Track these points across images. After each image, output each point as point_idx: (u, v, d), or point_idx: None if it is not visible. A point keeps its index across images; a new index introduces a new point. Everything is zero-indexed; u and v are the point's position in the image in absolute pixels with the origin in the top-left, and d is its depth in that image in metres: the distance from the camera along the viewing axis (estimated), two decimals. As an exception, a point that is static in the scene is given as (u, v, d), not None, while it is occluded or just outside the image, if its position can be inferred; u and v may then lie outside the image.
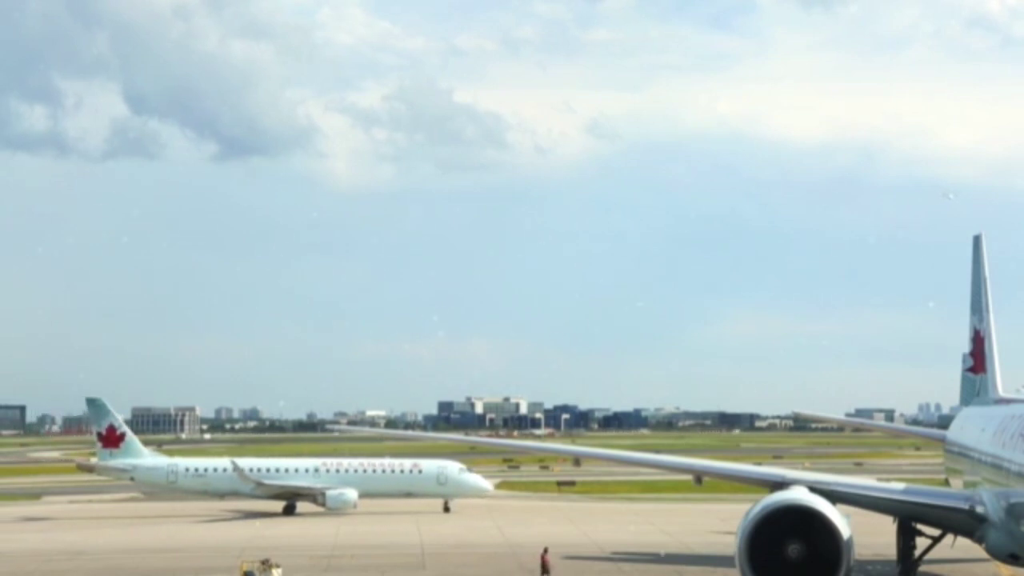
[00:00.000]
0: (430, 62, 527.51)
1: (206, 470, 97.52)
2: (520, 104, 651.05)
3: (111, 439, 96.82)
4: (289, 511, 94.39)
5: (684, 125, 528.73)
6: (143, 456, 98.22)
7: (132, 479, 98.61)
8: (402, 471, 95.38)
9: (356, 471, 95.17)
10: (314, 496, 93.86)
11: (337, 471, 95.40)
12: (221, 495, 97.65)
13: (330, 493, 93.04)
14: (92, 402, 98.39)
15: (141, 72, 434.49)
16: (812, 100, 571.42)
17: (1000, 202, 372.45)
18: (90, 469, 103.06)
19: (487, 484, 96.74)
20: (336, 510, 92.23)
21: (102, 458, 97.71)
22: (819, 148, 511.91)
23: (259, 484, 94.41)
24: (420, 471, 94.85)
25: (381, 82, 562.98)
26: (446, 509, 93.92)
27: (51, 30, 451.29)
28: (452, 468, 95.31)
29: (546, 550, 58.45)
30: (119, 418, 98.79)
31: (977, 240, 54.04)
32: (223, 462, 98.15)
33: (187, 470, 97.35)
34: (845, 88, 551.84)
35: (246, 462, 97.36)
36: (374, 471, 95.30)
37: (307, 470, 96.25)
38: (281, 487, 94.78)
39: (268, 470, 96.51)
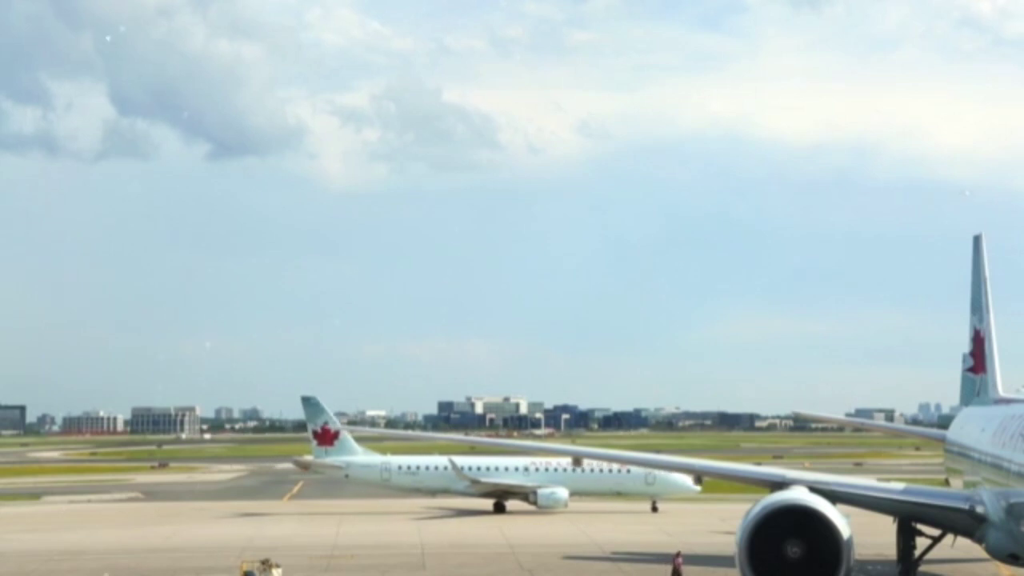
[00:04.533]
0: (420, 62, 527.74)
1: (419, 468, 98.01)
2: (511, 104, 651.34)
3: (326, 437, 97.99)
4: (499, 509, 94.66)
5: (677, 125, 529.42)
6: (357, 454, 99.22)
7: (346, 476, 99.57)
8: (611, 471, 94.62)
9: (566, 470, 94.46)
10: (526, 495, 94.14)
11: (547, 470, 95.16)
12: (433, 493, 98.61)
13: (542, 492, 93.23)
14: (307, 400, 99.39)
15: (132, 73, 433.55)
16: (805, 100, 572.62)
17: (1000, 202, 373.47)
18: (305, 466, 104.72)
19: (694, 484, 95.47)
20: (547, 508, 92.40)
21: (317, 456, 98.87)
22: (813, 148, 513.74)
23: (474, 482, 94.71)
24: (628, 471, 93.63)
25: (372, 82, 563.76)
26: (654, 509, 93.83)
27: (41, 31, 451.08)
28: None
29: (679, 553, 57.52)
30: (333, 416, 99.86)
31: (977, 240, 53.98)
32: (436, 460, 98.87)
33: (400, 468, 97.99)
34: (838, 88, 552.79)
35: (460, 460, 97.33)
36: (583, 471, 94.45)
37: (516, 468, 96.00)
38: (494, 485, 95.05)
39: (479, 468, 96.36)
